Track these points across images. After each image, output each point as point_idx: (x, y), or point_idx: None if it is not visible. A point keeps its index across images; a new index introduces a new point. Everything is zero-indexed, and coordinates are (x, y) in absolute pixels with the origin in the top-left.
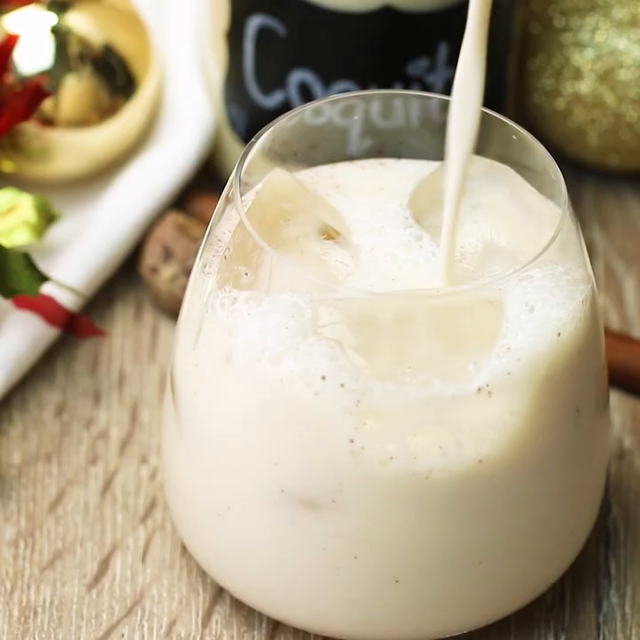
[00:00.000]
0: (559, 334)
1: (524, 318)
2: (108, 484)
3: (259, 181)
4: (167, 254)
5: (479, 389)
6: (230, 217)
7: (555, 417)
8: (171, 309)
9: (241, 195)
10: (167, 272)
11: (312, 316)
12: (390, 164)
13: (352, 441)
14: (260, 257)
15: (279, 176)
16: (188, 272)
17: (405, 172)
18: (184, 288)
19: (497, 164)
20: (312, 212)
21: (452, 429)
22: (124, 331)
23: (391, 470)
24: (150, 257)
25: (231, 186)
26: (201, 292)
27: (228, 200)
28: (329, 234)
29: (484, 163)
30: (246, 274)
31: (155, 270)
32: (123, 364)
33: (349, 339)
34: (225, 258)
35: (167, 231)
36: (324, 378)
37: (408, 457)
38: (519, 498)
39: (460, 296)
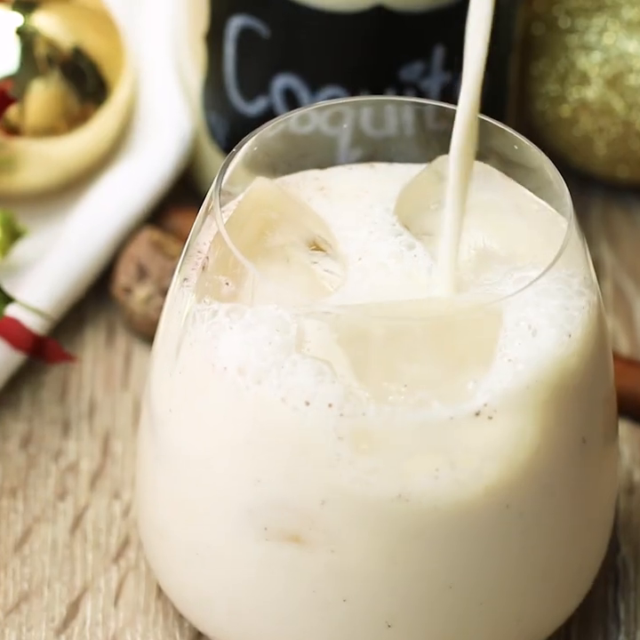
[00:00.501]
0: (563, 355)
1: (526, 336)
2: (77, 521)
3: (241, 191)
4: (141, 273)
5: (478, 413)
6: (210, 227)
7: (559, 447)
8: (145, 333)
9: (222, 206)
10: (141, 292)
11: (298, 332)
12: (382, 167)
13: (343, 468)
14: (242, 267)
15: (262, 185)
16: (163, 292)
17: (393, 175)
18: (160, 309)
19: (478, 163)
20: (299, 222)
21: (450, 455)
22: (95, 356)
23: (385, 500)
24: (123, 276)
25: (211, 200)
26: (180, 306)
27: (208, 211)
28: (317, 244)
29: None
30: (227, 284)
31: (128, 291)
32: (94, 392)
33: (339, 355)
34: (203, 268)
35: (141, 248)
36: (308, 401)
37: (403, 485)
38: (522, 533)
39: (459, 309)
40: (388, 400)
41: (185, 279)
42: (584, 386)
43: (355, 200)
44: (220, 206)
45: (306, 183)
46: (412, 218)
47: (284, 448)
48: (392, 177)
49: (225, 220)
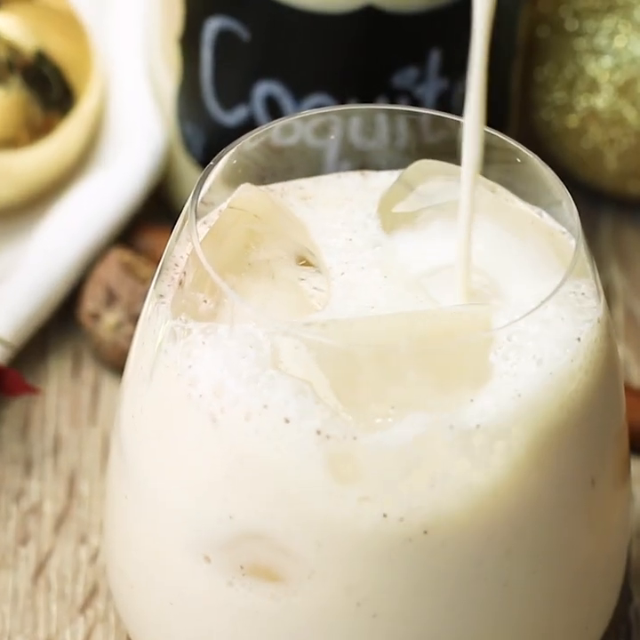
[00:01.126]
0: (568, 385)
1: (526, 363)
2: (40, 568)
3: (223, 200)
4: (111, 298)
5: (472, 437)
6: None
7: (564, 488)
8: (115, 363)
9: (203, 216)
10: (110, 319)
11: (275, 351)
12: (373, 175)
13: (328, 497)
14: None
15: (248, 192)
16: (134, 319)
17: (384, 183)
18: (130, 337)
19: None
20: (287, 235)
21: (443, 483)
22: (60, 388)
23: (376, 530)
24: (91, 301)
25: (186, 218)
26: (155, 325)
27: (186, 223)
28: (307, 259)
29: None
30: (205, 301)
31: (96, 317)
32: (58, 427)
33: (319, 376)
34: (180, 284)
35: (111, 271)
36: (289, 424)
37: (395, 513)
38: (523, 581)
39: (449, 320)
40: (375, 424)
41: (160, 295)
42: (591, 420)
43: (339, 208)
44: (200, 218)
45: (288, 189)
46: (396, 228)
47: (263, 477)
48: (382, 184)
49: (206, 230)
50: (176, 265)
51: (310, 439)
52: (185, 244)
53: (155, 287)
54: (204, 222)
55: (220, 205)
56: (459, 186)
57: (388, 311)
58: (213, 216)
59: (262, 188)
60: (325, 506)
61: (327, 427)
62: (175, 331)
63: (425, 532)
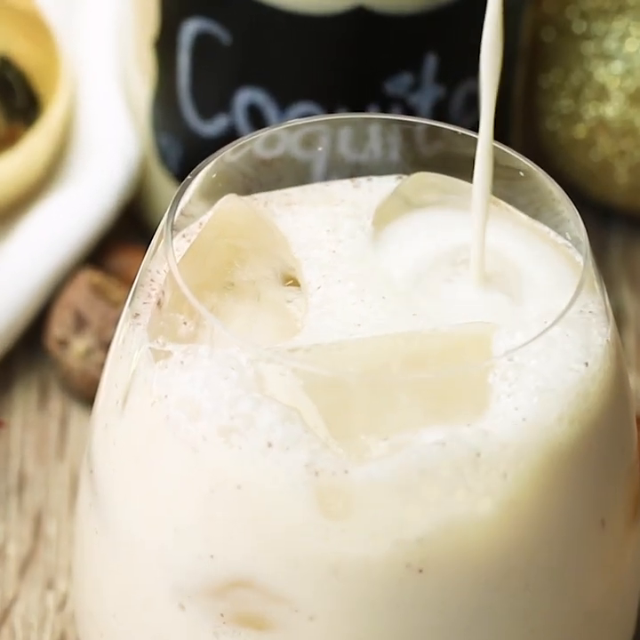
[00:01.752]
0: (574, 417)
1: (528, 392)
2: (4, 616)
3: (204, 212)
4: (80, 323)
5: (471, 469)
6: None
7: (571, 530)
8: (84, 393)
9: (181, 230)
10: (80, 346)
11: (259, 377)
12: (363, 182)
13: (318, 536)
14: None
15: (231, 205)
16: (106, 346)
17: (377, 192)
18: (101, 366)
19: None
20: (273, 253)
21: (438, 519)
22: (25, 420)
23: (368, 569)
24: (58, 327)
25: (161, 236)
26: (130, 347)
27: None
28: (295, 279)
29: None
30: (185, 323)
31: (64, 343)
32: (23, 463)
33: (308, 405)
34: (159, 304)
35: (80, 294)
36: (276, 458)
37: (386, 552)
38: (528, 624)
39: (446, 341)
40: (368, 456)
41: (136, 315)
42: (600, 452)
43: (325, 217)
44: (180, 231)
45: (272, 198)
46: (388, 243)
47: (247, 513)
48: (373, 192)
49: (186, 244)
50: (152, 280)
51: (298, 473)
52: (162, 260)
53: (129, 308)
54: (184, 235)
55: (202, 217)
56: (457, 199)
57: (379, 331)
58: (194, 228)
59: (246, 198)
60: (315, 544)
61: (316, 459)
62: (152, 354)
63: (420, 571)
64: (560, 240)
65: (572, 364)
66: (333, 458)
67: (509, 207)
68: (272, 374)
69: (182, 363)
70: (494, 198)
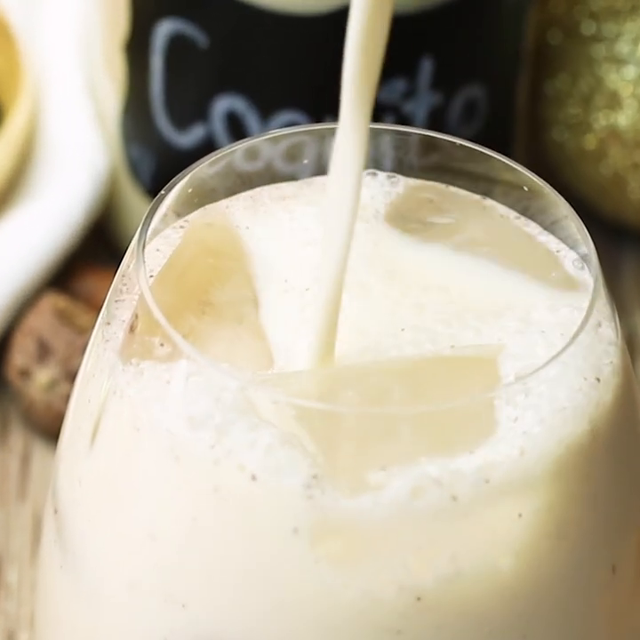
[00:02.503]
0: (582, 454)
1: (530, 428)
2: None
3: (178, 230)
4: (43, 352)
5: (476, 504)
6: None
7: (579, 576)
8: (47, 427)
9: (157, 234)
10: (43, 376)
11: (247, 402)
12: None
13: (310, 579)
14: (182, 325)
15: (210, 219)
16: (72, 376)
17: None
18: (67, 398)
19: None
20: (257, 272)
21: (439, 559)
22: None
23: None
24: (20, 356)
25: (132, 257)
26: (99, 374)
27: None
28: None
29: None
30: (162, 345)
31: (26, 374)
32: None
33: (299, 430)
34: (132, 329)
35: (43, 320)
36: (254, 478)
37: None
38: None
39: (449, 367)
40: (366, 489)
41: (106, 341)
42: (611, 496)
43: (294, 221)
44: (157, 234)
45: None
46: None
47: (230, 553)
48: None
49: (160, 255)
50: (123, 303)
51: (290, 508)
52: (133, 283)
53: (98, 334)
54: (158, 249)
55: (179, 221)
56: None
57: (373, 355)
58: (169, 232)
59: (227, 203)
60: (306, 590)
61: (311, 494)
62: (126, 377)
63: (420, 619)
64: (571, 255)
65: (579, 406)
66: (329, 491)
67: (497, 209)
68: (261, 401)
69: (159, 386)
70: (488, 204)
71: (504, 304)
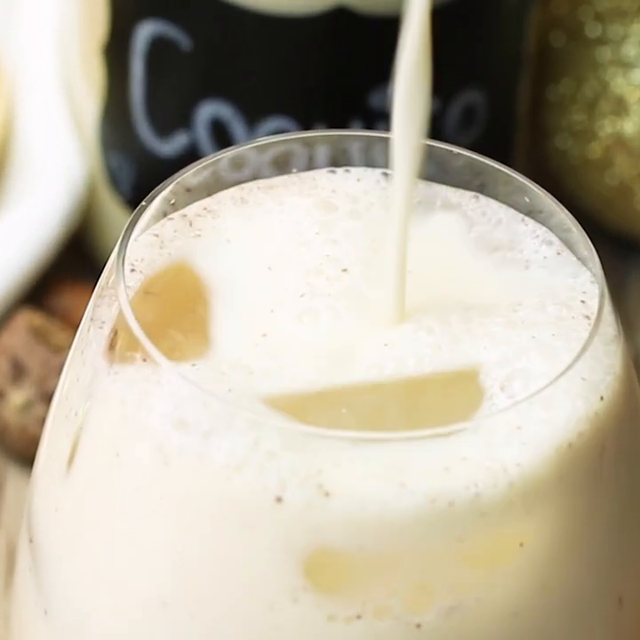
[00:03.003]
0: (589, 460)
1: (529, 449)
2: None
3: (160, 244)
4: (18, 372)
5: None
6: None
7: (585, 608)
8: (22, 451)
9: (132, 261)
10: (18, 397)
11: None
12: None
13: (297, 600)
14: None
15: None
16: (47, 397)
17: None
18: (42, 420)
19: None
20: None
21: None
22: None
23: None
24: None
25: (112, 271)
26: (78, 397)
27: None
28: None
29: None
30: (145, 360)
31: (0, 395)
32: None
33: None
34: (111, 347)
35: (18, 338)
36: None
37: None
38: None
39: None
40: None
41: (84, 361)
42: (617, 524)
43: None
44: (131, 261)
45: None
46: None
47: (219, 591)
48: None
49: (148, 265)
50: (102, 321)
51: (281, 534)
52: (113, 299)
53: (75, 353)
54: (139, 262)
55: (173, 214)
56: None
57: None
58: (162, 229)
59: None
60: (301, 625)
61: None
62: (109, 389)
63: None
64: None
65: (583, 434)
66: (325, 510)
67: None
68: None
69: (143, 411)
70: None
71: (493, 301)
